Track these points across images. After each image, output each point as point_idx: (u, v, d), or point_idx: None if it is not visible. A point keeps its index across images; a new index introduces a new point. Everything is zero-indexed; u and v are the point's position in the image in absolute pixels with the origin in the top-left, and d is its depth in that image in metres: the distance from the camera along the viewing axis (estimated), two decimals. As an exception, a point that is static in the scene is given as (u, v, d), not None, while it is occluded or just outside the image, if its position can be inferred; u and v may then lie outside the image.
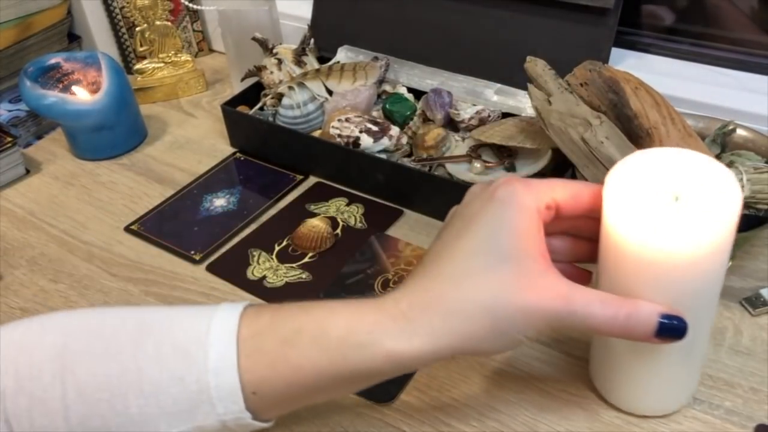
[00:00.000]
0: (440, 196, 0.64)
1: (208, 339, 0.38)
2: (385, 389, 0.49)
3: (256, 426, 0.39)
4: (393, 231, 0.65)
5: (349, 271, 0.61)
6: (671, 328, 0.39)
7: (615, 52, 0.70)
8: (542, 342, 0.53)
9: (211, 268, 0.63)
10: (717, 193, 0.38)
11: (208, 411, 0.37)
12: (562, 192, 0.42)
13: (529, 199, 0.40)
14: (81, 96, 0.77)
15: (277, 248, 0.64)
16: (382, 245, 0.63)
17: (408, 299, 0.39)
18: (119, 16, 0.94)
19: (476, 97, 0.71)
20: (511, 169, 0.64)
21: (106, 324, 0.40)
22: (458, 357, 0.52)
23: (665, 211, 0.38)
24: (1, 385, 0.38)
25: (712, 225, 0.37)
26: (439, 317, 0.38)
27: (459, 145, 0.69)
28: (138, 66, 0.90)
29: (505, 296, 0.38)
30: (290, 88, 0.72)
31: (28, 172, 0.78)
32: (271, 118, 0.74)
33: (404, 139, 0.69)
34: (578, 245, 0.46)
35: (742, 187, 0.50)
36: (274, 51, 0.77)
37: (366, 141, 0.67)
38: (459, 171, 0.65)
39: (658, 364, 0.43)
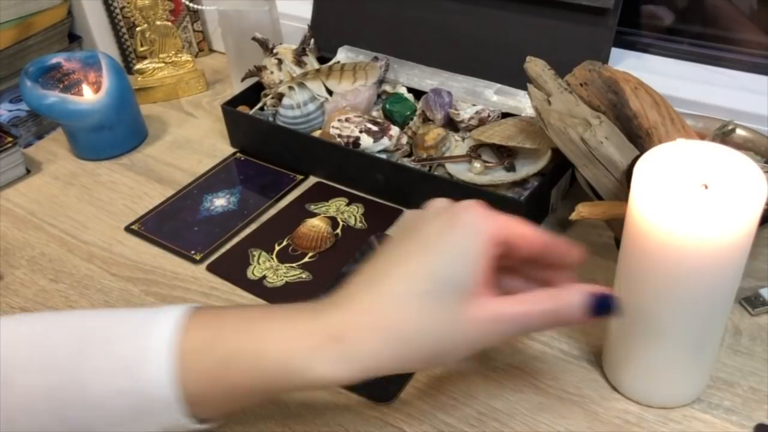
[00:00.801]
0: (440, 196, 0.64)
1: (149, 353, 0.38)
2: (385, 389, 0.50)
3: (199, 428, 0.40)
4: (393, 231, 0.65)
5: (349, 270, 0.61)
6: (602, 304, 0.40)
7: (615, 52, 0.70)
8: (541, 341, 0.53)
9: (211, 268, 0.63)
10: (744, 184, 0.39)
11: (150, 420, 0.39)
12: (516, 230, 0.41)
13: (489, 229, 0.40)
14: (88, 96, 0.77)
15: (277, 248, 0.64)
16: (381, 243, 0.63)
17: (353, 319, 0.39)
18: (120, 16, 0.94)
19: (476, 97, 0.72)
20: (511, 169, 0.64)
21: (49, 334, 0.40)
22: (458, 357, 0.52)
23: (695, 198, 0.39)
24: None
25: (742, 213, 0.38)
26: (382, 342, 0.38)
27: (459, 145, 0.69)
28: (138, 66, 0.90)
29: (450, 326, 0.38)
30: (290, 88, 0.72)
31: (28, 171, 0.78)
32: (271, 118, 0.74)
33: (404, 139, 0.69)
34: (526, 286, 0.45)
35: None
36: (275, 51, 0.77)
37: (366, 141, 0.67)
38: (459, 171, 0.66)
39: (671, 356, 0.44)
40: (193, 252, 0.65)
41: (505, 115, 0.69)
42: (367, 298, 0.39)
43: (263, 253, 0.64)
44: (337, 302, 0.40)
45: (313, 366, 0.38)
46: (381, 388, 0.50)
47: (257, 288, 0.60)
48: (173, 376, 0.38)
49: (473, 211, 0.40)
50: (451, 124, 0.71)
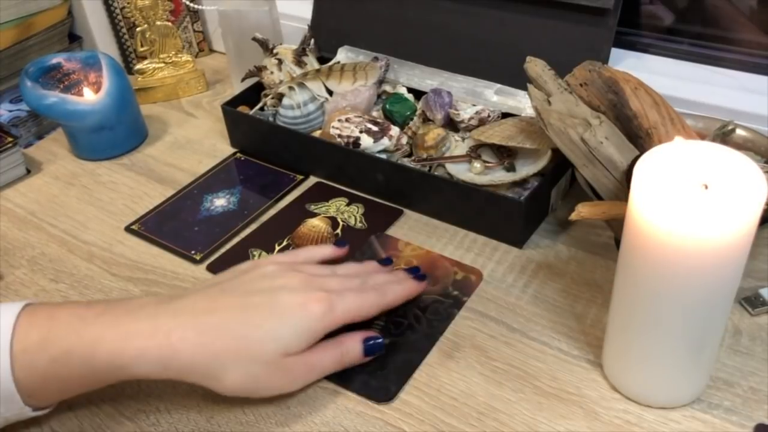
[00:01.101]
0: (440, 196, 0.64)
1: None
2: (385, 389, 0.50)
3: (36, 414, 0.45)
4: (393, 231, 0.65)
5: None
6: (372, 347, 0.50)
7: (614, 52, 0.70)
8: (541, 341, 0.53)
9: (211, 268, 0.63)
10: (744, 184, 0.39)
11: None
12: (357, 316, 0.50)
13: (335, 319, 0.48)
14: (88, 96, 0.77)
15: (277, 248, 0.64)
16: (382, 245, 0.63)
17: (183, 334, 0.45)
18: (120, 17, 0.94)
19: (476, 97, 0.72)
20: (511, 169, 0.65)
21: None
22: (458, 357, 0.52)
23: (695, 198, 0.39)
24: None
25: (742, 213, 0.38)
26: (204, 365, 0.45)
27: (459, 145, 0.69)
28: (138, 66, 0.90)
29: (267, 372, 0.46)
30: (290, 88, 0.72)
31: (28, 172, 0.78)
32: (271, 118, 0.74)
33: (404, 139, 0.69)
34: None
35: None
36: (275, 51, 0.77)
37: (366, 141, 0.67)
38: (459, 171, 0.66)
39: (671, 356, 0.44)
40: (193, 252, 0.65)
41: (505, 115, 0.69)
42: (207, 321, 0.46)
43: (263, 253, 0.64)
44: (175, 311, 0.46)
45: (138, 365, 0.44)
46: (381, 389, 0.50)
47: (257, 288, 0.60)
48: (9, 373, 0.42)
49: (325, 302, 0.48)
50: (451, 124, 0.71)
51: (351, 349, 0.50)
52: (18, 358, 0.42)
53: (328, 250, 0.57)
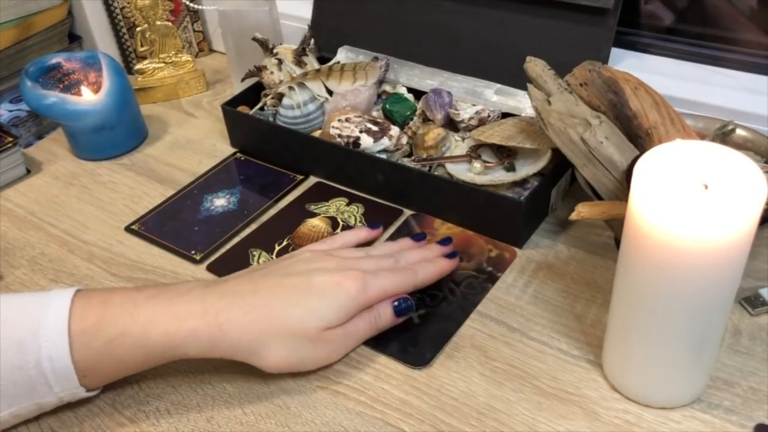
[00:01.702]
0: (440, 196, 0.64)
1: (41, 332, 0.44)
2: (421, 355, 0.52)
3: (88, 395, 0.47)
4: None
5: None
6: (402, 307, 0.52)
7: (614, 52, 0.70)
8: (540, 341, 0.53)
9: (211, 268, 0.63)
10: (744, 184, 0.39)
11: (46, 391, 0.45)
12: (390, 294, 0.52)
13: (369, 298, 0.51)
14: (88, 96, 0.77)
15: (277, 248, 0.64)
16: (419, 223, 0.65)
17: (230, 315, 0.47)
18: (120, 17, 0.94)
19: (476, 97, 0.72)
20: (511, 169, 0.65)
21: None
22: (458, 357, 0.52)
23: (695, 198, 0.39)
24: None
25: (742, 213, 0.38)
26: (248, 341, 0.47)
27: (459, 145, 0.69)
28: (138, 66, 0.90)
29: (308, 345, 0.49)
30: (290, 88, 0.72)
31: (28, 172, 0.78)
32: (271, 118, 0.74)
33: (404, 139, 0.69)
34: None
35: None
36: (275, 51, 0.77)
37: (366, 141, 0.67)
38: (459, 171, 0.66)
39: (671, 356, 0.44)
40: (193, 252, 0.65)
41: (505, 115, 0.69)
42: (251, 301, 0.48)
43: (263, 253, 0.64)
44: (222, 293, 0.48)
45: (189, 345, 0.46)
46: (417, 355, 0.52)
47: (257, 288, 0.60)
48: (67, 352, 0.44)
49: (360, 281, 0.50)
50: (451, 124, 0.71)
51: (383, 312, 0.52)
52: (75, 339, 0.44)
53: (363, 233, 0.61)
